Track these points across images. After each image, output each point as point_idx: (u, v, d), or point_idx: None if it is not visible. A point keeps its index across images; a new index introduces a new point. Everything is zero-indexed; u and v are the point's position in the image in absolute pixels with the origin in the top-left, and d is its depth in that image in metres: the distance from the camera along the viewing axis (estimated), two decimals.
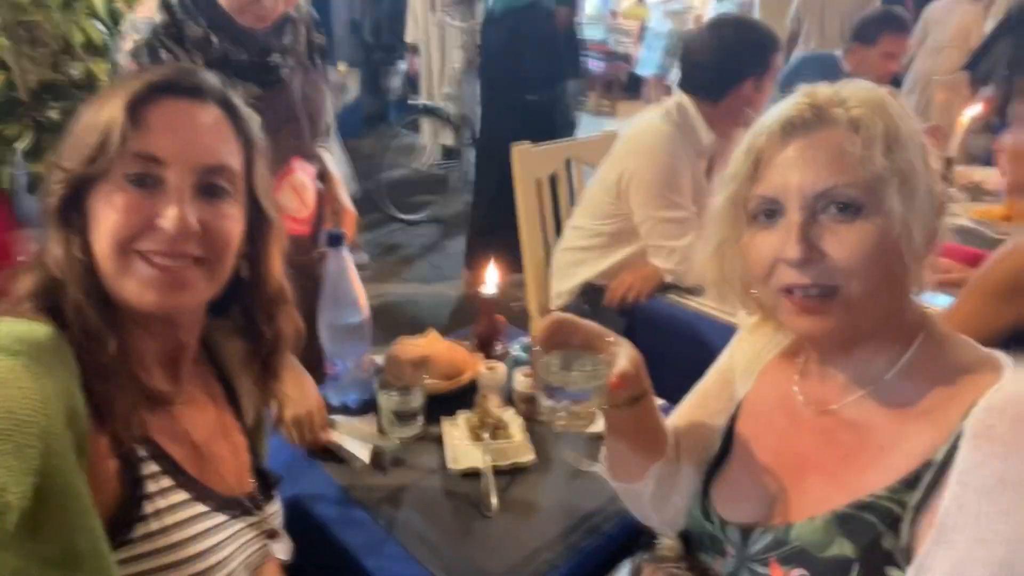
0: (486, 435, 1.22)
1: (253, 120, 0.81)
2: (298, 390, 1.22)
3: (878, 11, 3.10)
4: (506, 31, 3.74)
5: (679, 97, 1.95)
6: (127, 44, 1.27)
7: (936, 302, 1.38)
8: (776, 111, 0.77)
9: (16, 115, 1.74)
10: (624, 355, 0.81)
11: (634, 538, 1.06)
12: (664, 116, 1.93)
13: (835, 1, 4.15)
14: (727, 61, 1.87)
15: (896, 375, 0.76)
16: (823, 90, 0.76)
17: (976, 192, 2.54)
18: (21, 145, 1.71)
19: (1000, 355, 0.73)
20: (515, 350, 1.46)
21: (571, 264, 2.13)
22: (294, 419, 1.21)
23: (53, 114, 1.68)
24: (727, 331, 1.68)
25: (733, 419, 0.93)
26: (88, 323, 0.70)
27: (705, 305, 1.84)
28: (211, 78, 0.79)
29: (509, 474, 1.18)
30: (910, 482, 0.70)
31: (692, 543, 0.94)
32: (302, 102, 1.47)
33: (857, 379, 0.79)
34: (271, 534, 0.88)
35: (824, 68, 3.06)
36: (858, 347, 0.78)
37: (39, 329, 0.65)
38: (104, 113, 0.72)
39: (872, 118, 0.72)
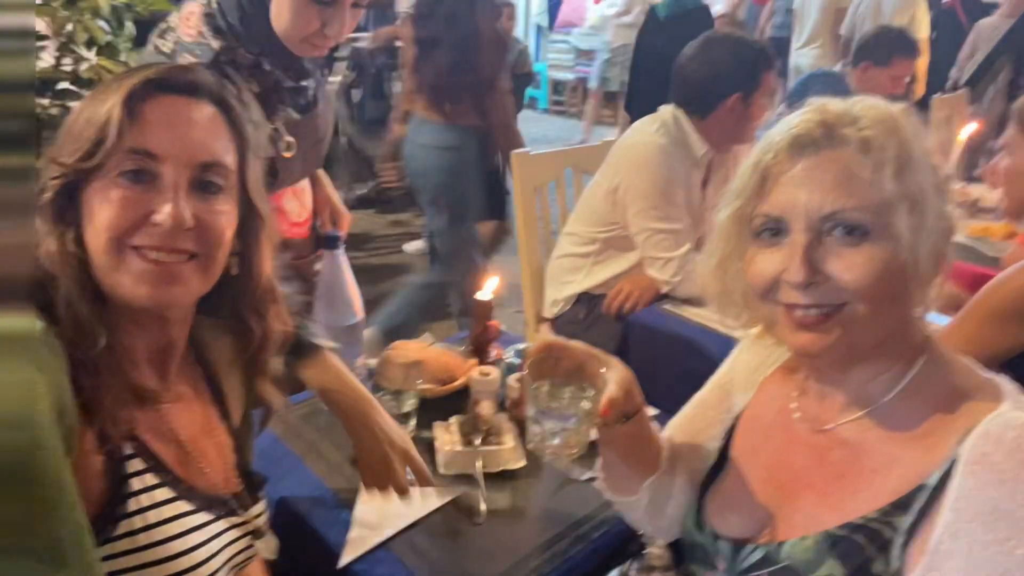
0: (478, 440, 1.22)
1: (247, 118, 0.82)
2: (387, 425, 1.06)
3: (892, 31, 3.08)
4: (670, 36, 3.75)
5: (672, 110, 1.97)
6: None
7: (934, 320, 1.37)
8: (784, 126, 0.75)
9: None
10: (613, 380, 0.80)
11: (623, 546, 1.06)
12: (659, 128, 1.95)
13: (886, 12, 4.17)
14: (712, 77, 1.90)
15: (895, 397, 0.74)
16: (834, 107, 0.74)
17: (973, 209, 2.55)
18: None
19: (1002, 380, 0.72)
20: (509, 356, 1.46)
21: (566, 271, 2.13)
22: (382, 460, 1.03)
23: (53, 110, 1.68)
24: (723, 342, 1.69)
25: (730, 431, 0.92)
26: (79, 318, 0.70)
27: (701, 316, 1.84)
28: (206, 75, 0.79)
29: (500, 480, 1.18)
30: (902, 505, 0.69)
31: (684, 553, 0.93)
32: (323, 123, 1.47)
33: (855, 399, 0.77)
34: (256, 534, 0.88)
35: (831, 86, 3.06)
36: (857, 367, 0.76)
37: (30, 323, 0.65)
38: (101, 108, 0.72)
39: (883, 140, 0.70)
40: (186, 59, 1.22)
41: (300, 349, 1.12)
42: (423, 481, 1.06)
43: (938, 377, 0.74)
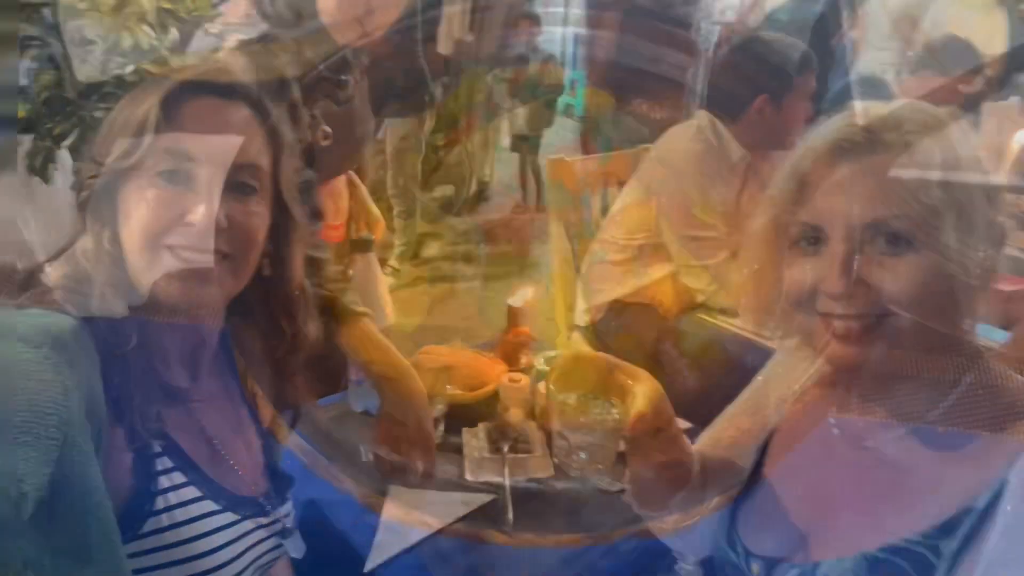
0: (506, 447, 1.21)
1: (282, 121, 0.82)
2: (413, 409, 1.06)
3: (962, 44, 2.97)
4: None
5: (707, 115, 1.94)
6: (228, 42, 1.27)
7: (992, 336, 1.30)
8: (825, 131, 0.72)
9: (64, 113, 1.78)
10: (642, 393, 0.78)
11: (653, 562, 1.04)
12: (694, 133, 1.92)
13: (962, 22, 4.06)
14: (739, 80, 1.87)
15: (941, 414, 0.71)
16: (877, 111, 0.71)
17: None
18: (66, 142, 1.75)
19: None
20: (540, 363, 1.45)
21: (599, 279, 2.11)
22: (397, 436, 1.04)
23: (98, 113, 1.72)
24: (760, 353, 1.63)
25: (765, 446, 0.90)
26: (112, 316, 0.71)
27: (737, 326, 1.80)
28: (243, 78, 0.80)
29: (527, 488, 1.16)
30: (947, 529, 0.66)
31: (716, 570, 0.91)
32: (360, 121, 1.48)
33: (899, 416, 0.74)
34: (283, 535, 0.88)
35: (873, 91, 2.98)
36: (901, 381, 0.73)
37: (63, 321, 0.66)
38: (139, 109, 0.73)
39: (929, 145, 0.67)
40: (233, 39, 1.24)
41: (338, 315, 1.12)
42: (425, 474, 1.05)
43: (988, 395, 0.70)
